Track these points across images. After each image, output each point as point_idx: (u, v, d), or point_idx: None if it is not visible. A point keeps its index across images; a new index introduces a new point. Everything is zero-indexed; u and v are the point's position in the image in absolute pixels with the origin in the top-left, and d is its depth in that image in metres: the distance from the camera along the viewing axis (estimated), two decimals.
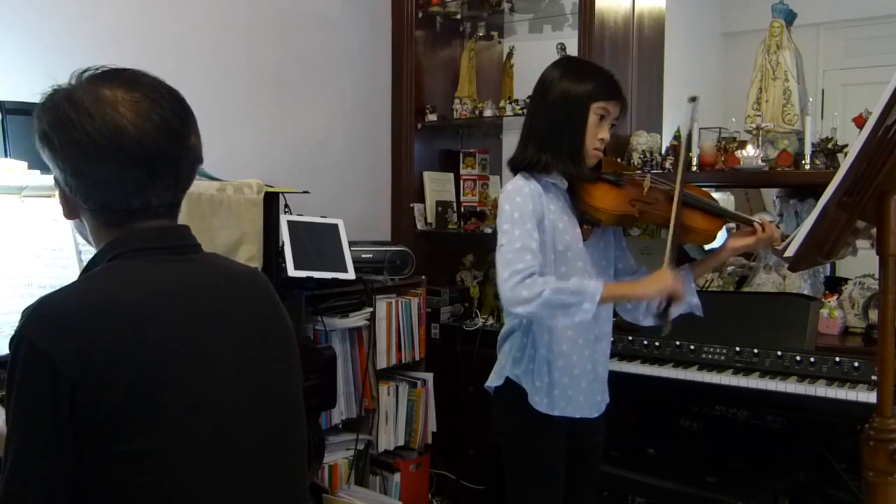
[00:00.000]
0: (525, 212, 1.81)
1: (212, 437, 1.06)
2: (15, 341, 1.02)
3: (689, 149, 2.01)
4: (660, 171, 2.83)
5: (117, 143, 1.07)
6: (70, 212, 1.18)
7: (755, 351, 2.38)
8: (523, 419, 1.91)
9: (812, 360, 2.29)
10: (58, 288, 1.08)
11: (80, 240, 1.79)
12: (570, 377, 1.90)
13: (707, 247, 2.24)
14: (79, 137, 1.07)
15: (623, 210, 1.90)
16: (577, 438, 1.97)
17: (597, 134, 1.86)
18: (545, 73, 1.93)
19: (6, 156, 2.04)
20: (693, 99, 1.99)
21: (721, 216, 2.00)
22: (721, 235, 2.06)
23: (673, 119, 3.24)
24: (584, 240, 1.93)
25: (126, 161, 1.08)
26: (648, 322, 2.03)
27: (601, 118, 1.86)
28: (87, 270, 1.14)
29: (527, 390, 1.89)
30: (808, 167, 2.62)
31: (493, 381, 1.97)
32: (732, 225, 2.03)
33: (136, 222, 1.13)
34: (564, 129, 1.86)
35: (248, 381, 1.13)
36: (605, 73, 1.91)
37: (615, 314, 2.05)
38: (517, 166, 1.92)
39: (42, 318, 1.02)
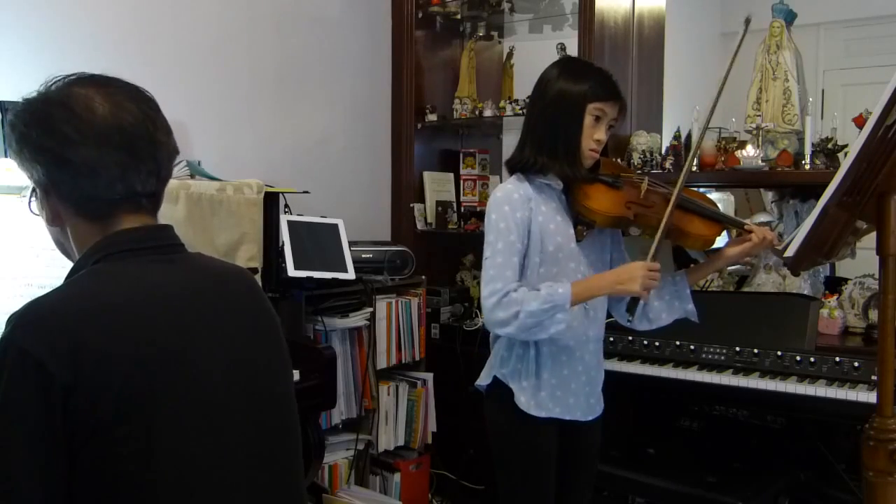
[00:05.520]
0: (511, 222, 1.81)
1: (206, 437, 1.06)
2: (1, 348, 0.98)
3: (716, 104, 1.92)
4: (659, 172, 2.83)
5: (96, 126, 1.08)
6: (54, 217, 1.16)
7: (755, 351, 2.38)
8: (511, 419, 1.89)
9: (812, 360, 2.29)
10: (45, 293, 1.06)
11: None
12: (558, 378, 1.89)
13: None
14: (58, 127, 1.08)
15: (618, 212, 1.88)
16: (571, 440, 1.95)
17: (592, 135, 1.85)
18: (544, 72, 1.92)
19: (6, 156, 2.03)
20: (748, 21, 1.85)
21: (720, 222, 1.98)
22: (722, 240, 2.04)
23: (673, 119, 3.24)
24: (578, 240, 1.91)
25: (107, 143, 1.09)
26: (644, 326, 2.01)
27: (597, 119, 1.85)
28: (72, 275, 1.12)
29: (513, 390, 1.88)
30: (808, 167, 2.62)
31: (483, 379, 1.97)
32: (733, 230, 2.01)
33: (120, 216, 1.13)
34: (560, 129, 1.85)
35: (240, 379, 1.12)
36: (602, 74, 1.89)
37: (609, 315, 2.04)
38: (514, 167, 1.91)
39: (30, 322, 1.00)
